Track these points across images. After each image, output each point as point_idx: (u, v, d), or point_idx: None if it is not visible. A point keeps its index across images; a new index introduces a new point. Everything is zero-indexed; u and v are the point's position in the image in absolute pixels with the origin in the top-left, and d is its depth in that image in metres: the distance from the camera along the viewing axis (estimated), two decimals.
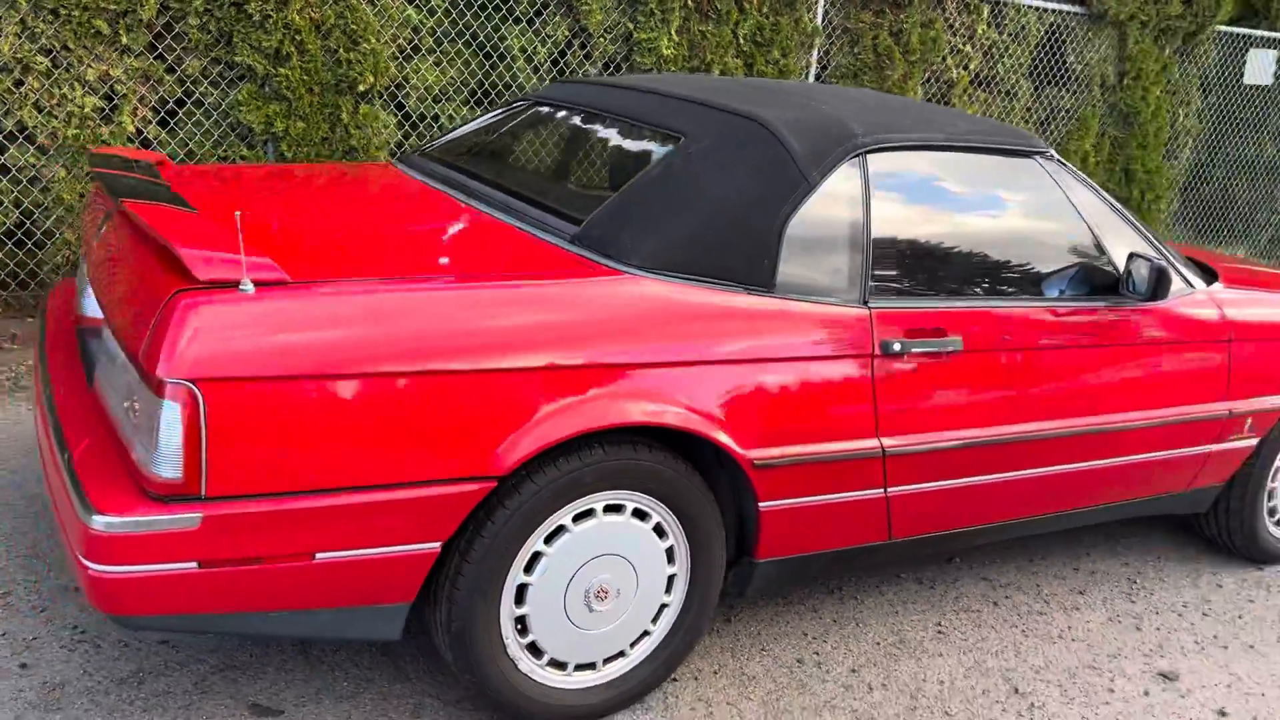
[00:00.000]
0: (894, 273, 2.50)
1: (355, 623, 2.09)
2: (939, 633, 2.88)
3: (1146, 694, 2.70)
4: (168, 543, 1.85)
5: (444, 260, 2.18)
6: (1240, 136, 8.51)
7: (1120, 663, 2.83)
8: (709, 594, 2.41)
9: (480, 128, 3.26)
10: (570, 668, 2.30)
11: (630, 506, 2.26)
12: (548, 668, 2.28)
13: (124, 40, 4.54)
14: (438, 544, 2.06)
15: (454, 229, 2.42)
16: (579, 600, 2.25)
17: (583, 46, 5.63)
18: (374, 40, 5.00)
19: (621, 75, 3.32)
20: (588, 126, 2.91)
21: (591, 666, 2.32)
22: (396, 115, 5.31)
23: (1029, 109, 7.34)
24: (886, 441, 2.47)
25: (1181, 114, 7.91)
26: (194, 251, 1.86)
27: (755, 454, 2.30)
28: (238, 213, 1.96)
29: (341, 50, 4.96)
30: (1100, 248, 2.83)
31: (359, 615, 2.08)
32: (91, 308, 2.62)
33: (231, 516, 1.87)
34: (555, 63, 5.61)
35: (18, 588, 2.63)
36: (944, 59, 6.71)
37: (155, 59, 4.67)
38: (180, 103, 4.82)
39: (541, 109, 3.16)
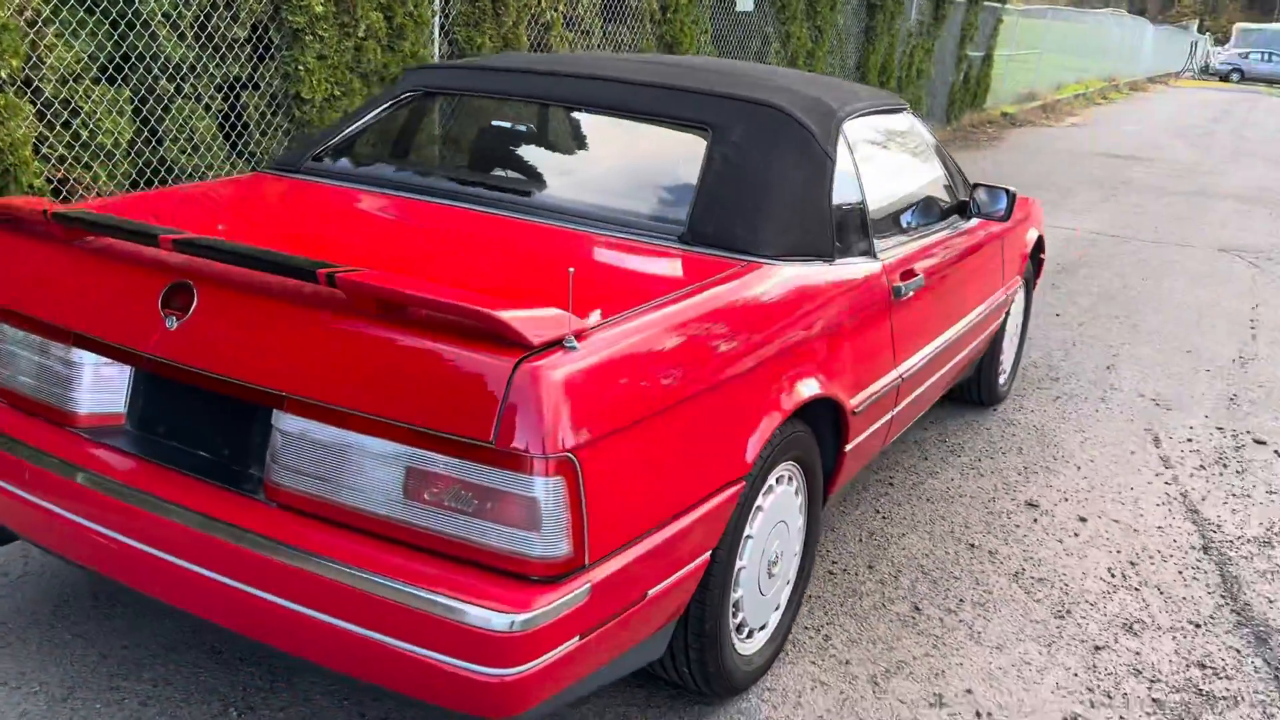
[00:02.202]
0: (877, 226, 2.91)
1: (647, 650, 2.10)
2: (884, 519, 3.44)
3: (1035, 521, 3.53)
4: (565, 623, 1.74)
5: (630, 281, 2.17)
6: (733, 56, 9.91)
7: (1001, 504, 3.63)
8: (815, 537, 2.70)
9: (376, 125, 3.01)
10: (754, 632, 2.48)
11: (785, 475, 2.47)
12: (746, 639, 2.44)
13: None
14: (709, 552, 2.13)
15: (557, 246, 2.35)
16: (764, 570, 2.43)
17: (229, 7, 5.05)
18: (1, 11, 4.09)
19: (499, 57, 3.23)
20: (572, 119, 2.86)
21: (764, 627, 2.52)
22: (35, 104, 4.39)
23: (600, 44, 7.92)
24: (901, 369, 2.92)
25: (702, 40, 9.04)
26: (516, 316, 1.71)
27: (852, 403, 2.62)
28: (571, 269, 1.80)
29: None
30: (949, 179, 3.49)
31: (650, 642, 2.09)
32: (108, 405, 2.13)
33: (607, 579, 1.81)
34: (203, 27, 4.97)
35: None
36: (540, 3, 6.99)
37: None
38: None
39: (457, 99, 3.01)
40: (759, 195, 2.49)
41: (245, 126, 5.29)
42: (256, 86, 5.33)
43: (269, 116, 5.37)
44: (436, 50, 6.30)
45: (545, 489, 1.69)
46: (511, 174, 2.80)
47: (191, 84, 5.01)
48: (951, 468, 3.90)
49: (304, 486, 1.87)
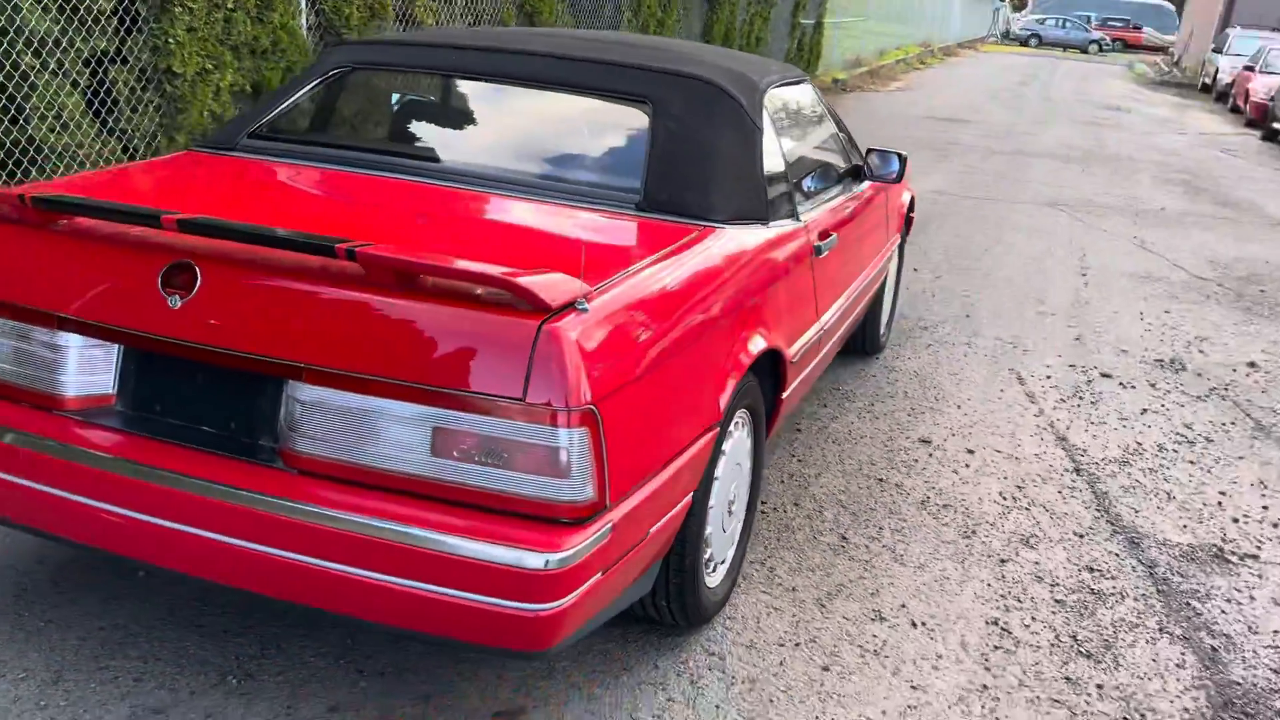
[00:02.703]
0: (799, 190, 3.15)
1: (640, 586, 2.28)
2: (799, 461, 3.72)
3: (930, 455, 3.88)
4: (593, 560, 1.90)
5: (612, 247, 2.33)
6: (586, 26, 10.02)
7: (898, 441, 3.97)
8: (760, 477, 2.93)
9: (310, 102, 3.03)
10: (718, 566, 2.69)
11: (740, 421, 2.68)
12: (712, 573, 2.65)
13: None
14: (692, 493, 2.32)
15: (531, 217, 2.49)
16: (726, 509, 2.64)
17: None
18: None
19: (428, 32, 3.29)
20: (515, 95, 2.95)
21: (724, 561, 2.74)
22: None
23: (461, 14, 7.91)
24: (821, 321, 3.18)
25: (560, 9, 9.11)
26: (535, 281, 1.85)
27: (790, 352, 2.86)
28: (583, 238, 1.93)
29: None
30: (844, 143, 3.77)
31: (644, 578, 2.27)
32: (97, 386, 2.16)
33: (623, 519, 1.97)
34: (69, 1, 4.76)
35: None
36: None
37: None
38: None
39: (391, 75, 3.07)
40: (705, 163, 2.67)
41: (114, 103, 5.10)
42: (125, 61, 5.14)
43: (139, 92, 5.19)
44: (304, 21, 6.20)
45: (572, 439, 1.85)
46: (464, 148, 2.88)
47: (57, 59, 4.80)
48: (849, 412, 4.22)
49: (325, 452, 1.96)
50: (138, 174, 2.76)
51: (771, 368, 2.82)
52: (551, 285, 1.88)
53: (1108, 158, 12.78)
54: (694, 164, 2.67)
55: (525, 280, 1.84)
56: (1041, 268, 6.97)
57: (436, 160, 2.76)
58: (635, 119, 2.79)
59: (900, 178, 3.75)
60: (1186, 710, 2.56)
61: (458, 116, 3.04)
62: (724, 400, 2.37)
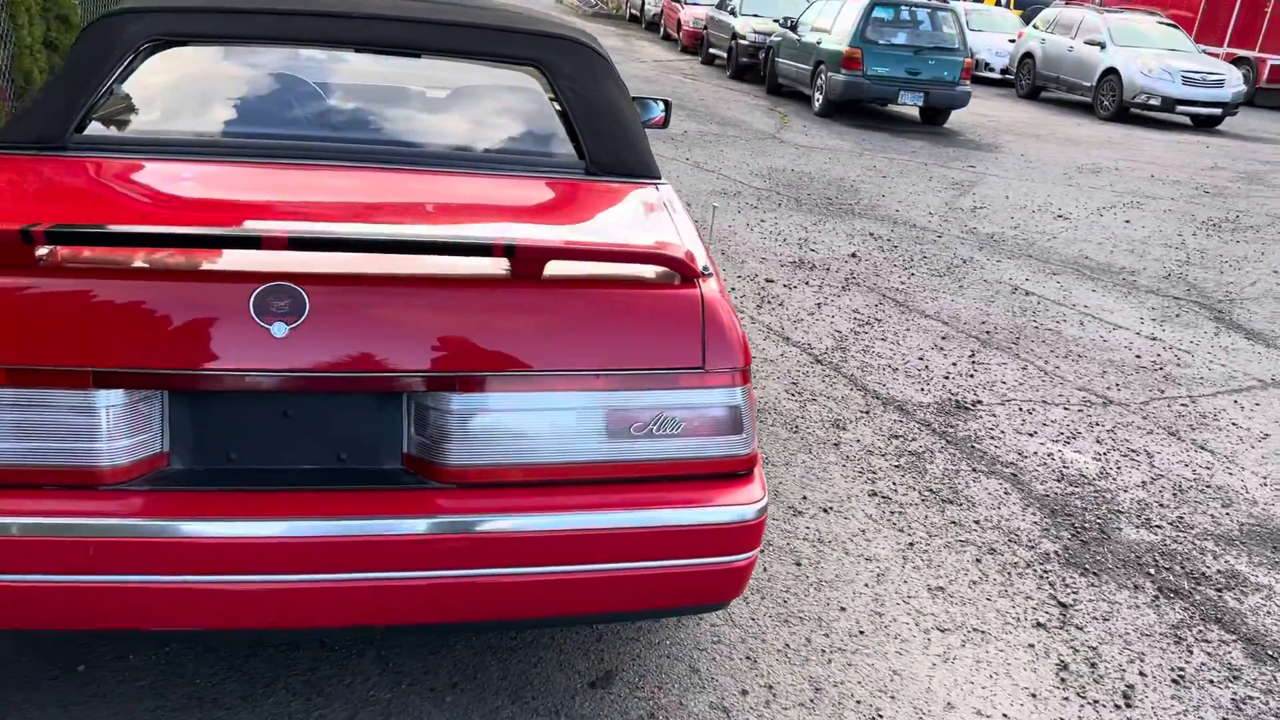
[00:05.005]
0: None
1: None
2: None
3: None
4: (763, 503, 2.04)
5: (623, 211, 2.38)
6: None
7: None
8: None
9: (141, 84, 2.57)
10: None
11: None
12: None
13: None
14: None
15: (507, 191, 2.42)
16: None
17: None
18: None
19: None
20: (386, 64, 2.70)
21: None
22: None
23: None
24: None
25: None
26: (674, 256, 1.92)
27: None
28: (715, 205, 1.95)
29: None
30: None
31: None
32: (146, 447, 1.85)
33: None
34: None
35: None
36: None
37: None
38: None
39: (222, 51, 2.69)
40: (624, 124, 2.75)
41: None
42: None
43: None
44: None
45: (743, 397, 1.97)
46: (365, 127, 2.62)
47: None
48: None
49: (484, 460, 1.86)
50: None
51: None
52: (688, 254, 1.96)
53: None
54: (616, 125, 2.73)
55: (672, 252, 1.91)
56: None
57: (350, 142, 2.52)
58: (530, 83, 2.78)
59: (667, 123, 4.02)
60: (1038, 523, 3.28)
61: (332, 93, 2.75)
62: None
